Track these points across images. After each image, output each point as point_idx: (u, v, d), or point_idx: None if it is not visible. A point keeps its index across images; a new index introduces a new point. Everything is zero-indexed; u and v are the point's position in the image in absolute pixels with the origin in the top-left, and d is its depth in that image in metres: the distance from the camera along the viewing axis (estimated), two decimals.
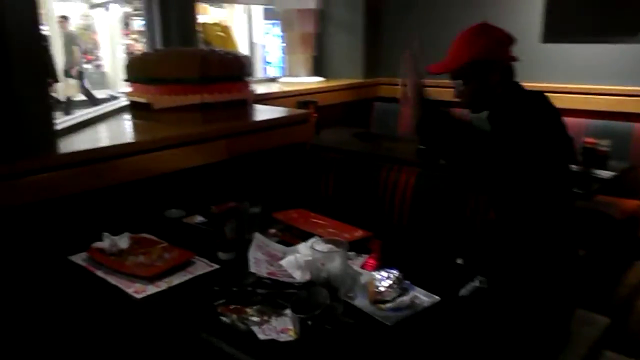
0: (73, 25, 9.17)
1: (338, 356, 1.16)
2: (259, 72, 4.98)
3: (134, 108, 2.40)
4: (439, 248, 2.00)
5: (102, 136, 2.17)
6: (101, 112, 2.40)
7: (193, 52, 2.36)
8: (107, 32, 10.34)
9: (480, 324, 1.44)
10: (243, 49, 4.57)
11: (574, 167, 2.49)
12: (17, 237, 1.69)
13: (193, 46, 2.84)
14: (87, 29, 10.98)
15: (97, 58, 10.96)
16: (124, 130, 2.32)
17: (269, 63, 6.16)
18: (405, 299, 1.33)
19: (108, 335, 1.58)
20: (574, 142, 1.69)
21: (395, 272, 1.39)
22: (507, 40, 1.70)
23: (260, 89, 3.51)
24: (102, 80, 10.32)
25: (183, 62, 2.22)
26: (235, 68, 2.33)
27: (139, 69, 2.32)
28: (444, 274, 1.63)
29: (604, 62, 3.20)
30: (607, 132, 2.99)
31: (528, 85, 3.31)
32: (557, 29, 3.33)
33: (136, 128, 2.32)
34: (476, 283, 1.49)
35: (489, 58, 1.66)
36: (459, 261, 1.79)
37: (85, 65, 9.59)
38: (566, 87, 3.30)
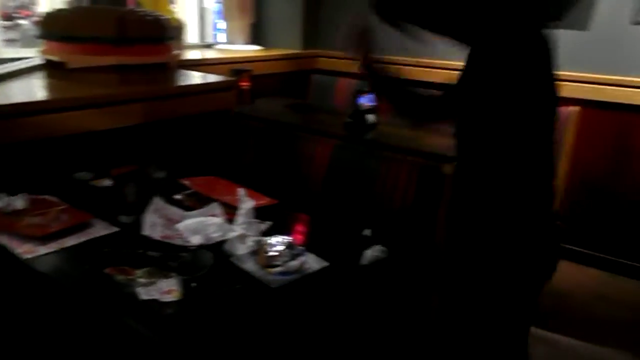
0: None
1: (219, 316, 1.20)
2: (209, 37, 4.85)
3: (49, 67, 2.32)
4: (348, 219, 2.06)
5: (12, 92, 2.09)
6: (13, 69, 2.30)
7: (109, 10, 2.29)
8: None
9: (370, 292, 1.51)
10: (191, 13, 4.42)
11: None
12: None
13: (122, 6, 2.75)
14: None
15: (35, 14, 10.41)
16: (36, 88, 2.24)
17: (221, 30, 5.99)
18: (295, 263, 1.37)
19: None
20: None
21: (287, 238, 1.42)
22: None
23: (195, 54, 3.44)
24: None
25: (99, 20, 2.15)
26: (155, 30, 2.28)
27: (53, 25, 2.24)
28: (346, 243, 1.68)
29: None
30: None
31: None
32: None
33: (49, 86, 2.24)
34: (376, 252, 1.54)
35: None
36: (366, 232, 1.86)
37: (21, 21, 9.08)
38: None
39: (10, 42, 8.59)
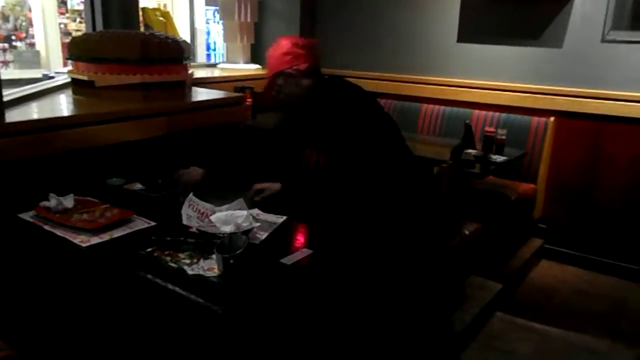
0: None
1: (252, 289, 1.44)
2: (201, 57, 5.10)
3: (76, 85, 2.56)
4: None
5: (47, 109, 2.32)
6: (45, 87, 2.54)
7: (134, 34, 2.54)
8: (41, 10, 10.05)
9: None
10: (184, 34, 4.69)
11: (472, 151, 2.88)
12: None
13: (134, 29, 3.00)
14: (19, 5, 10.63)
15: (30, 36, 10.64)
16: (67, 104, 2.47)
17: (213, 49, 6.24)
18: None
19: (56, 280, 1.77)
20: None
21: None
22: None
23: (200, 73, 3.70)
24: (35, 60, 10.04)
25: (125, 43, 2.40)
26: (174, 51, 2.53)
27: (82, 48, 2.48)
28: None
29: (509, 61, 3.60)
30: (509, 124, 3.41)
31: (445, 80, 3.68)
32: (470, 31, 3.71)
33: (79, 103, 2.48)
34: None
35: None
36: None
37: (16, 43, 9.31)
38: (477, 83, 3.69)
39: (6, 63, 8.74)
